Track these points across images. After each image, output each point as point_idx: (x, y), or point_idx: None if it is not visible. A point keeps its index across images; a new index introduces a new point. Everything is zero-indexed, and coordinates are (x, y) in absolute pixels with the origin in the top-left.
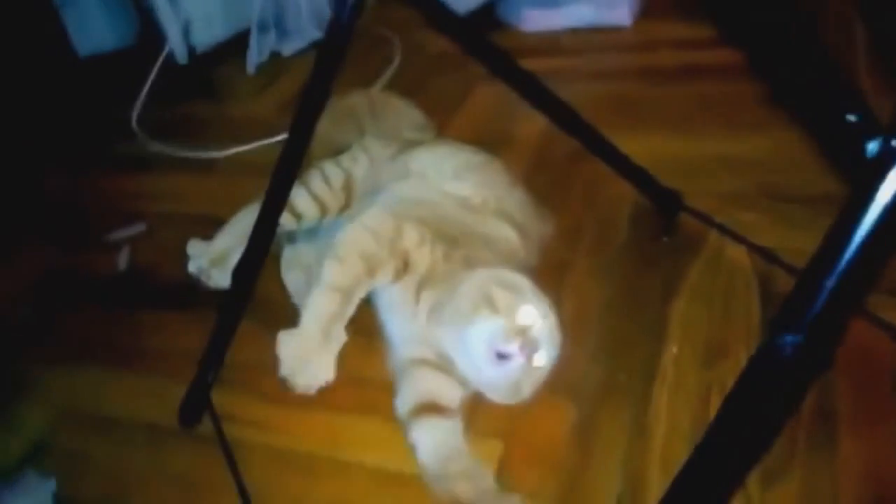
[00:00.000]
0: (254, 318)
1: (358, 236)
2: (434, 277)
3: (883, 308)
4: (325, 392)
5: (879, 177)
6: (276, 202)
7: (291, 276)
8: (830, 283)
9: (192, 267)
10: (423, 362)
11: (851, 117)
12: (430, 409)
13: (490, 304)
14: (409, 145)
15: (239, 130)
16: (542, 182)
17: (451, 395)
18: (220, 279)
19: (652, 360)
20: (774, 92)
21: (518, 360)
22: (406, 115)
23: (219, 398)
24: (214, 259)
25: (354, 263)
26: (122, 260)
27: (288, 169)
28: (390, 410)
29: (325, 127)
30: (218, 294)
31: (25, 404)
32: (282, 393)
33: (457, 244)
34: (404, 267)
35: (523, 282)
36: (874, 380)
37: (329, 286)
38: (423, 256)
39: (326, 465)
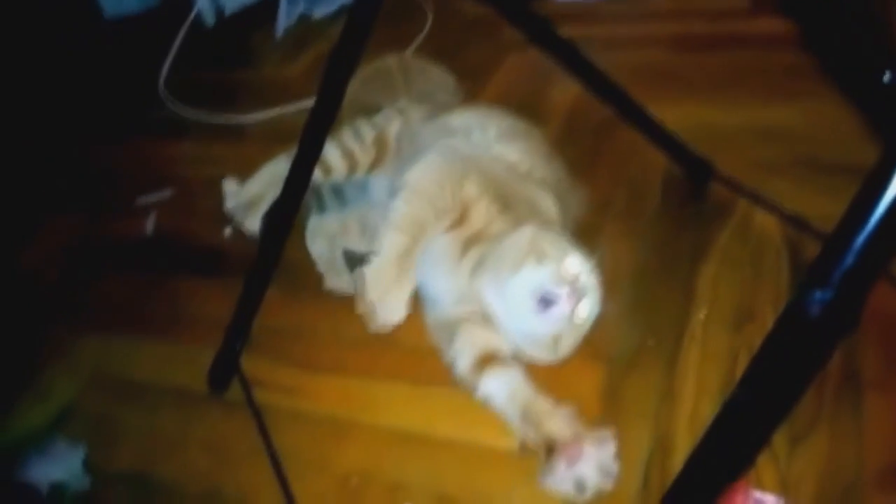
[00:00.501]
0: (281, 284)
1: (425, 178)
2: (484, 236)
3: None
4: (353, 357)
5: None
6: (304, 168)
7: (316, 246)
8: (861, 240)
9: (229, 203)
10: (473, 317)
11: (887, 76)
12: (493, 359)
13: (537, 254)
14: (446, 107)
15: (268, 95)
16: (574, 149)
17: (505, 347)
18: (254, 223)
19: (681, 324)
20: (810, 46)
21: (564, 307)
22: (439, 80)
23: (247, 364)
24: (249, 202)
25: (422, 204)
26: (150, 225)
27: (316, 134)
28: (418, 374)
29: (356, 88)
30: (247, 260)
31: (56, 369)
32: (310, 359)
33: (507, 206)
34: (461, 218)
35: (568, 242)
36: None
37: (397, 226)
38: (481, 211)
39: (354, 428)
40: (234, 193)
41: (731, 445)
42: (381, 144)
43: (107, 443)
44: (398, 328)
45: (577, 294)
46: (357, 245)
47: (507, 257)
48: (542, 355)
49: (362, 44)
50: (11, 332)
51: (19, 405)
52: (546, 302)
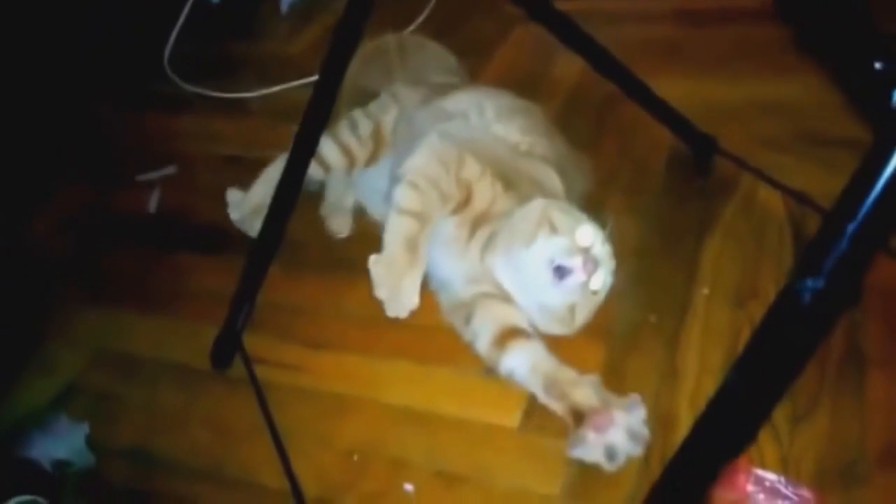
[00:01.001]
0: (284, 262)
1: (428, 163)
2: (490, 214)
3: None
4: (355, 334)
5: None
6: (306, 146)
7: (332, 186)
8: (852, 228)
9: (234, 215)
10: (489, 295)
11: (878, 64)
12: (514, 333)
13: (550, 226)
14: (441, 89)
15: (272, 71)
16: (579, 124)
17: (523, 320)
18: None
19: (683, 301)
20: (799, 38)
21: (580, 276)
22: (438, 57)
23: (250, 341)
24: (253, 210)
25: (427, 189)
26: (153, 202)
27: (318, 113)
28: (420, 352)
29: (354, 69)
30: (250, 238)
31: (59, 345)
32: (313, 336)
33: (510, 184)
34: (466, 199)
35: (579, 212)
36: None
37: (403, 211)
38: (485, 190)
39: (356, 405)
40: (238, 203)
41: (722, 432)
42: (377, 138)
43: (109, 419)
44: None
45: (592, 263)
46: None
47: (519, 231)
48: (558, 328)
49: (364, 20)
50: (14, 307)
51: (23, 381)
52: (561, 272)
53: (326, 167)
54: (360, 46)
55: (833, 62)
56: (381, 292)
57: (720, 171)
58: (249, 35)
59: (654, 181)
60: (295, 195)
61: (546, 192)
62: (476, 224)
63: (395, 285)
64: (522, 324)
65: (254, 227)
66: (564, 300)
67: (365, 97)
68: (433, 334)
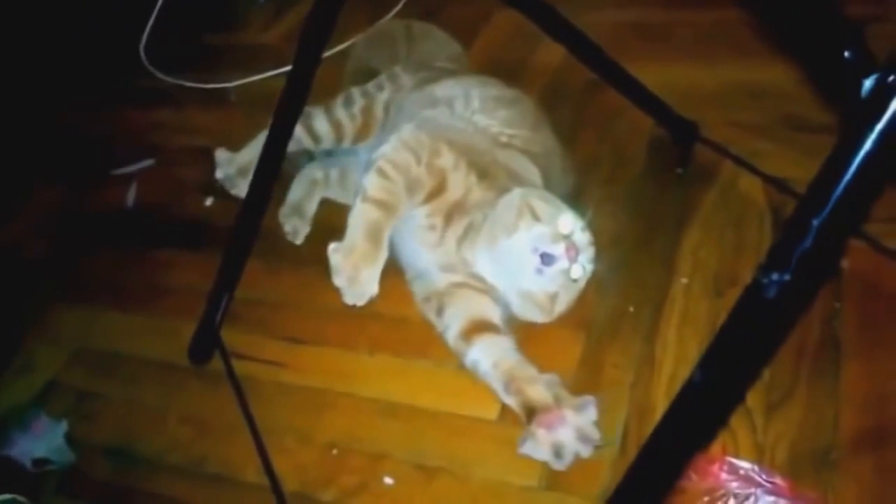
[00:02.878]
0: (263, 255)
1: (398, 151)
2: (465, 204)
3: (889, 236)
4: (334, 328)
5: (874, 116)
6: (280, 138)
7: (294, 189)
8: (818, 223)
9: (219, 174)
10: (463, 285)
11: (848, 53)
12: (483, 327)
13: (532, 214)
14: (440, 75)
15: (250, 60)
16: (559, 111)
17: (495, 312)
18: (244, 189)
19: (662, 290)
20: (766, 27)
21: (562, 263)
22: (443, 45)
23: (230, 336)
24: (240, 169)
25: (395, 178)
26: (130, 197)
27: (292, 103)
28: (399, 345)
29: (361, 51)
30: (229, 231)
31: (38, 343)
32: (292, 330)
33: (486, 174)
34: (439, 188)
35: (558, 199)
36: (880, 306)
37: (370, 199)
38: (459, 180)
39: (335, 399)
40: (226, 161)
41: (690, 424)
42: (367, 115)
43: (89, 417)
44: (380, 299)
45: (574, 250)
46: (334, 196)
47: (501, 221)
48: (538, 315)
49: (336, 10)
50: None
51: (3, 380)
52: (545, 259)
53: (315, 138)
54: (366, 31)
55: (800, 51)
56: (338, 280)
57: (701, 158)
58: (227, 24)
59: (634, 169)
60: (270, 187)
61: (522, 184)
62: (450, 214)
63: (353, 274)
64: (493, 317)
65: (238, 188)
66: (547, 287)
67: (370, 78)
68: (412, 327)
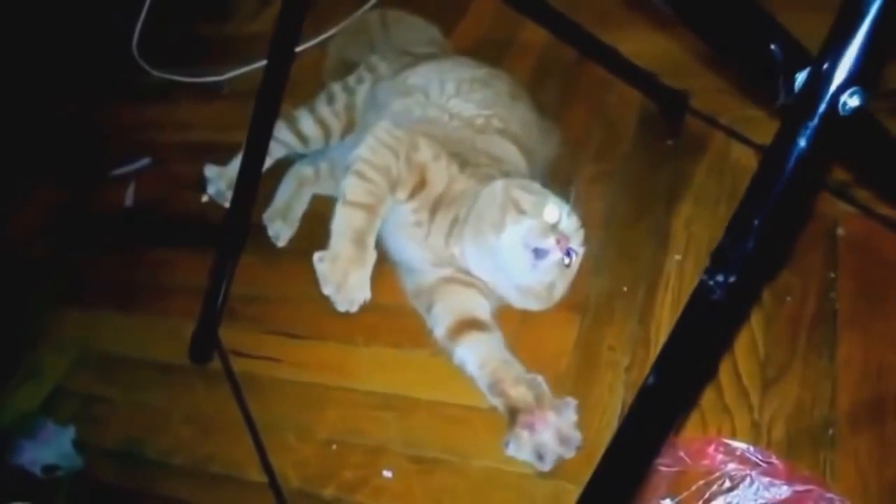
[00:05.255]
0: (259, 251)
1: (375, 151)
2: (449, 196)
3: (880, 202)
4: (331, 322)
5: (807, 111)
6: (263, 130)
7: (283, 186)
8: (758, 224)
9: (210, 189)
10: (451, 280)
11: (774, 47)
12: (470, 325)
13: (516, 207)
14: (416, 61)
15: (242, 51)
16: (548, 88)
17: (483, 308)
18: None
19: (655, 269)
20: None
21: (556, 255)
22: (419, 30)
23: (229, 334)
24: (231, 183)
25: (374, 178)
26: (129, 197)
27: (271, 94)
28: (396, 337)
29: (338, 45)
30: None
31: (44, 349)
32: (290, 326)
33: (466, 163)
34: (421, 183)
35: (539, 186)
36: (876, 274)
37: (351, 203)
38: (440, 172)
39: (335, 393)
40: (217, 176)
41: (648, 428)
42: (351, 110)
43: (96, 421)
44: (375, 290)
45: (564, 239)
46: (325, 190)
47: (486, 216)
48: (536, 305)
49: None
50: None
51: (11, 387)
52: (538, 253)
53: (304, 139)
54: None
55: (726, 46)
56: (326, 289)
57: (691, 129)
58: (217, 15)
59: (625, 144)
60: (256, 180)
61: (505, 168)
62: (435, 207)
63: (341, 281)
64: (480, 313)
65: (230, 201)
66: (543, 280)
67: (349, 71)
68: (407, 317)
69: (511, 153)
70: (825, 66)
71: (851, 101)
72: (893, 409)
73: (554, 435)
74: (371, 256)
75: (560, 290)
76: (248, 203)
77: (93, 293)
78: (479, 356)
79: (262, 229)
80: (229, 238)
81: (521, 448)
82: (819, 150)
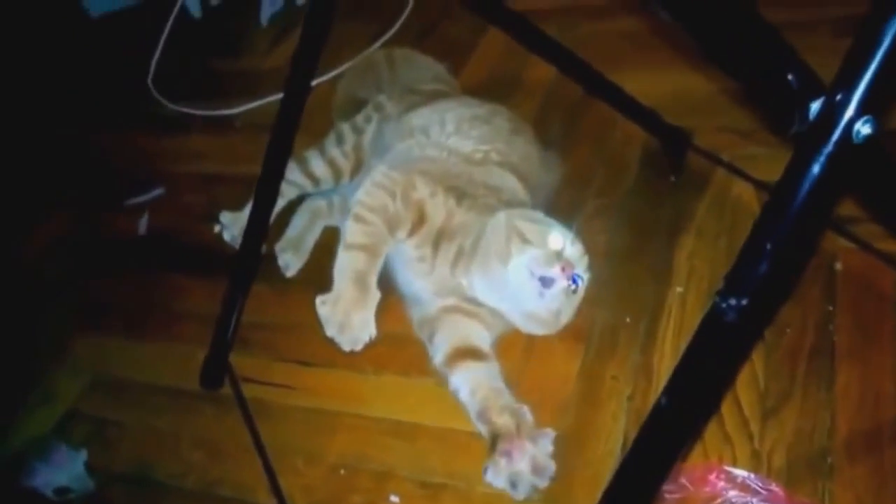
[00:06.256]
0: (270, 279)
1: (372, 194)
2: (450, 229)
3: (879, 237)
4: (340, 350)
5: (822, 138)
6: (276, 163)
7: (297, 218)
8: (772, 245)
9: (226, 236)
10: (453, 309)
11: (791, 77)
12: (466, 354)
13: (520, 237)
14: (423, 99)
15: (256, 85)
16: (553, 125)
17: (482, 337)
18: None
19: (658, 301)
20: (705, 50)
21: (562, 283)
22: (426, 68)
23: (240, 361)
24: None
25: (373, 221)
26: (143, 225)
27: (286, 129)
28: (403, 364)
29: (346, 84)
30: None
31: (58, 373)
32: (300, 353)
33: (464, 195)
34: (420, 220)
35: (542, 215)
36: (872, 307)
37: (352, 246)
38: (438, 207)
39: (343, 420)
40: (231, 222)
41: (659, 449)
42: (359, 150)
43: (107, 444)
44: (383, 319)
45: (570, 267)
46: (338, 223)
47: (491, 248)
48: (543, 330)
49: (322, 38)
50: (12, 336)
51: (25, 410)
52: (544, 282)
53: (315, 180)
54: (350, 64)
55: (741, 74)
56: (329, 330)
57: (693, 165)
58: (231, 50)
59: (628, 179)
60: (269, 213)
61: (504, 197)
62: (438, 240)
63: (343, 322)
64: (479, 343)
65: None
66: (550, 307)
67: (358, 109)
68: (414, 346)
69: (510, 183)
70: (840, 95)
71: (864, 129)
72: (890, 438)
73: (529, 464)
74: (374, 296)
75: (566, 315)
76: (261, 234)
77: (106, 318)
78: (471, 384)
79: (273, 259)
80: (241, 267)
81: (497, 475)
82: (833, 175)
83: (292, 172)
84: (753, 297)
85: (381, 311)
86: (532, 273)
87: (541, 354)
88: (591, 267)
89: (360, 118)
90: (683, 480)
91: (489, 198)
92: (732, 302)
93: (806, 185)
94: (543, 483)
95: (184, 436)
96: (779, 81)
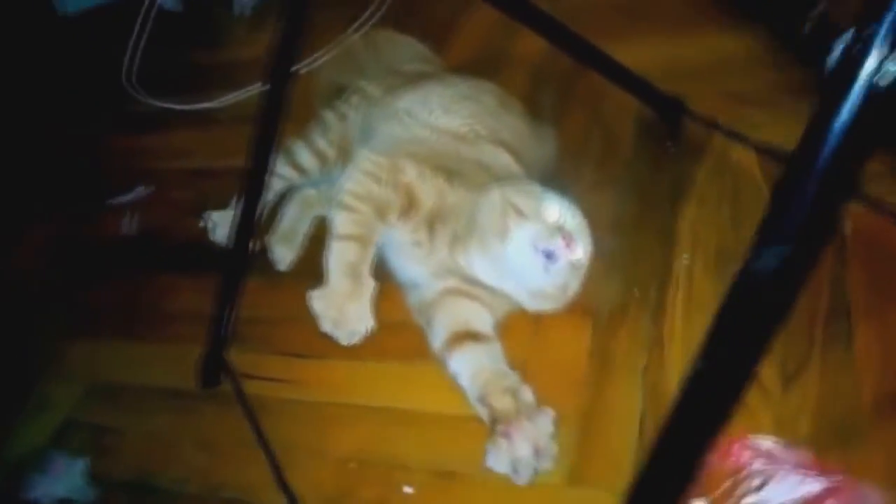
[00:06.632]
0: (263, 271)
1: (358, 181)
2: (444, 210)
3: (890, 194)
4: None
5: (844, 82)
6: (263, 154)
7: (288, 209)
8: (812, 188)
9: (217, 235)
10: (453, 291)
11: (807, 28)
12: (466, 336)
13: (516, 211)
14: (408, 81)
15: (235, 76)
16: (544, 99)
17: (483, 319)
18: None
19: (664, 271)
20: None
21: (565, 256)
22: (406, 48)
23: (236, 357)
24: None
25: (361, 209)
26: (127, 225)
27: (270, 121)
28: (404, 351)
29: (328, 69)
30: (226, 252)
31: (52, 380)
32: (297, 346)
33: (454, 174)
34: (410, 203)
35: (537, 187)
36: (886, 267)
37: (341, 236)
38: (428, 189)
39: (347, 412)
40: (220, 221)
41: (702, 418)
42: (344, 137)
43: (107, 451)
44: (381, 305)
45: (571, 238)
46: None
47: (488, 225)
48: (550, 305)
49: (300, 27)
50: (2, 346)
51: (20, 421)
52: (548, 256)
53: (303, 171)
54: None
55: (768, 17)
56: (325, 325)
57: (691, 133)
58: (209, 42)
59: (625, 149)
60: (257, 206)
61: (496, 173)
62: (432, 223)
63: (339, 316)
64: (479, 325)
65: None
66: (556, 282)
67: (340, 95)
68: (413, 330)
69: (502, 158)
70: (868, 32)
71: (893, 67)
72: None
73: (529, 446)
74: (368, 286)
75: (573, 288)
76: (251, 227)
77: (97, 322)
78: (471, 367)
79: (265, 252)
80: (233, 262)
81: (498, 459)
82: (862, 117)
83: (279, 165)
84: (798, 241)
85: (379, 299)
86: (535, 248)
87: (548, 333)
88: (593, 239)
89: (343, 105)
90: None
91: (481, 175)
92: (774, 250)
93: (836, 129)
94: (546, 465)
95: (184, 438)
96: (803, 19)
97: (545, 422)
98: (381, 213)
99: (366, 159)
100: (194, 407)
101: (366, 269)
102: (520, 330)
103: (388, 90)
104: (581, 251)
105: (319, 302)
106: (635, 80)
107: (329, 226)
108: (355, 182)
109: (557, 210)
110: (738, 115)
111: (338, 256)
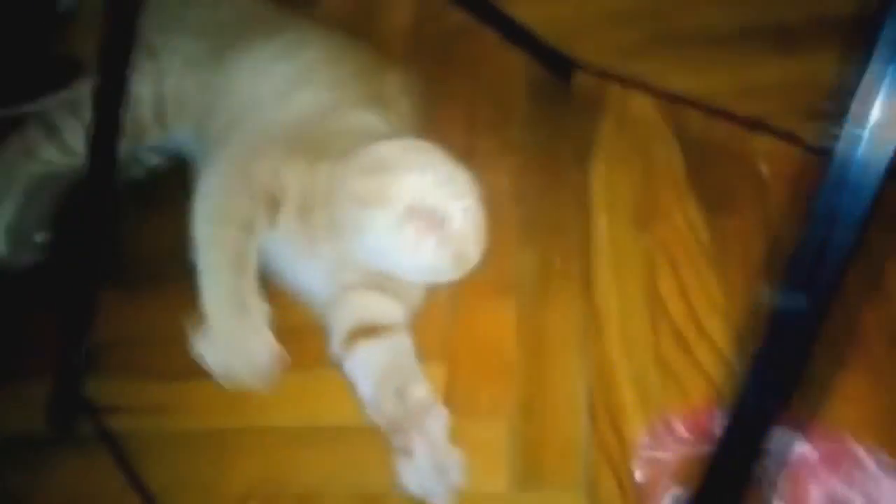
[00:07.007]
0: (117, 285)
1: (210, 199)
2: (314, 199)
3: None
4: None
5: None
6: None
7: None
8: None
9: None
10: (355, 285)
11: None
12: (365, 332)
13: (361, 202)
14: (246, 44)
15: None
16: (423, 66)
17: (388, 311)
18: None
19: (584, 236)
20: None
21: (430, 240)
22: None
23: (98, 388)
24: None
25: (222, 233)
26: None
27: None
28: (301, 360)
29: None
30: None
31: None
32: (170, 366)
33: (321, 153)
34: (275, 204)
35: (395, 152)
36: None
37: (211, 266)
38: (292, 180)
39: (241, 438)
40: None
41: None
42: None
43: None
44: (274, 315)
45: (428, 219)
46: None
47: (341, 219)
48: (450, 276)
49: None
50: None
51: None
52: (419, 233)
53: (74, 155)
54: None
55: None
56: (220, 376)
57: (584, 89)
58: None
59: (518, 114)
60: (106, 208)
61: (368, 139)
62: (305, 217)
63: (241, 360)
64: (383, 317)
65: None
66: (443, 258)
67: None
68: (307, 335)
69: (372, 124)
70: None
71: None
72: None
73: (431, 461)
74: (259, 312)
75: (472, 252)
76: (102, 233)
77: None
78: (365, 367)
79: (120, 265)
80: (83, 277)
81: (408, 480)
82: None
83: (44, 148)
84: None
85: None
86: (393, 235)
87: (468, 317)
88: (498, 208)
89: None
90: (676, 432)
91: (352, 145)
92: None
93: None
94: (455, 479)
95: (43, 492)
96: None
97: (436, 427)
98: (247, 227)
99: (214, 173)
100: (51, 454)
101: (250, 296)
102: (433, 319)
103: (213, 51)
104: (457, 218)
105: (211, 350)
106: (523, 34)
107: (194, 258)
108: (205, 200)
109: (406, 187)
110: (629, 69)
111: (213, 293)
